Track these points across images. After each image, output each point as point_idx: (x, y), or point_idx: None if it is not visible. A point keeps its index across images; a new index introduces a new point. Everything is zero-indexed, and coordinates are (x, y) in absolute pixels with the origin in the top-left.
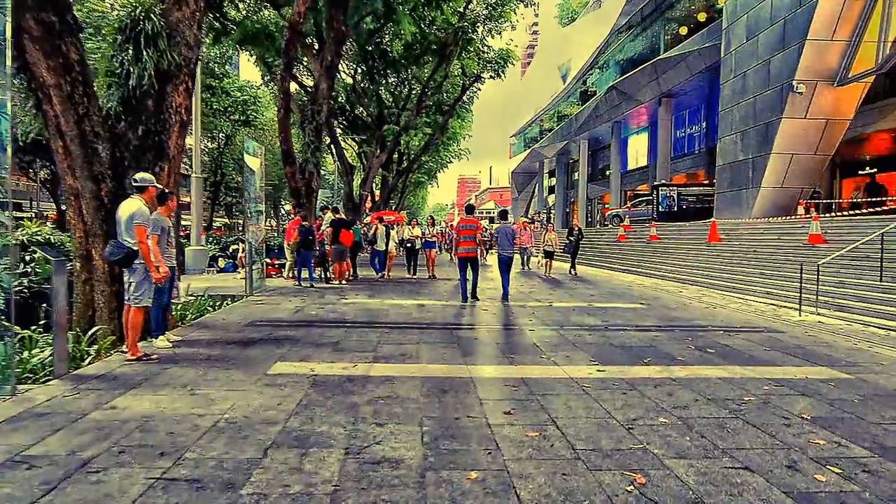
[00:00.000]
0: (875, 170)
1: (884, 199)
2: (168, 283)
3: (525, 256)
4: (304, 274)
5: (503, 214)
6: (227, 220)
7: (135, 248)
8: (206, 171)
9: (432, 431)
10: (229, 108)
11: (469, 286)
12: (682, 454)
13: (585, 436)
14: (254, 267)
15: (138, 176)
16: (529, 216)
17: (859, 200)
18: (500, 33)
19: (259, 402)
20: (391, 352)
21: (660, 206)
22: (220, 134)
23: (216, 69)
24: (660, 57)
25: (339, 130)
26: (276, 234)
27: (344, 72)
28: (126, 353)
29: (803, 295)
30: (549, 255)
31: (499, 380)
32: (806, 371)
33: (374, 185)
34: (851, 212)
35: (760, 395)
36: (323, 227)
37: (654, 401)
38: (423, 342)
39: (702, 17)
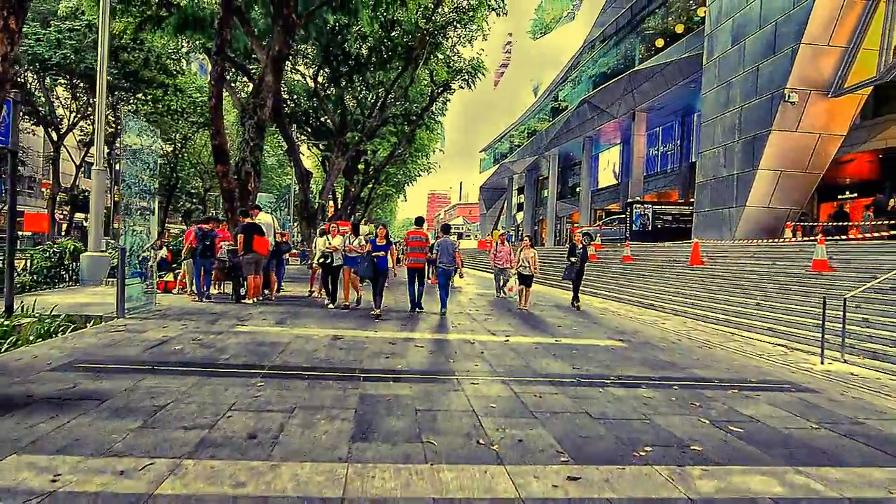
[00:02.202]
0: (855, 195)
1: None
2: None
3: (502, 279)
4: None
5: (445, 229)
6: (184, 227)
7: None
8: (161, 175)
9: None
10: (187, 109)
11: (417, 296)
12: None
13: None
14: (135, 280)
15: None
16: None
17: (870, 223)
18: (470, 42)
19: None
20: (238, 429)
21: (633, 225)
22: (177, 136)
23: (170, 65)
24: (635, 69)
25: (301, 137)
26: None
27: (308, 76)
28: None
29: (818, 335)
30: (525, 281)
31: None
32: None
33: (330, 194)
34: (867, 234)
35: None
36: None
37: None
38: (303, 405)
39: (679, 28)
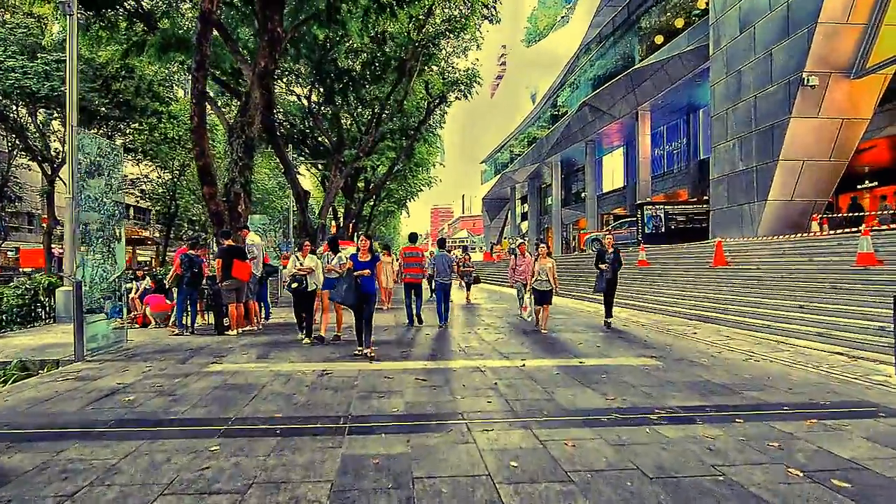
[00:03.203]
0: (875, 183)
1: None
2: None
3: (521, 295)
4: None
5: (441, 243)
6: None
7: None
8: (159, 202)
9: None
10: (183, 137)
11: (415, 310)
12: None
13: None
14: (99, 317)
15: None
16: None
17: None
18: (465, 52)
19: None
20: None
21: (646, 228)
22: (174, 163)
23: (161, 92)
24: (635, 67)
25: (300, 158)
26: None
27: (303, 96)
28: None
29: (880, 339)
30: (543, 298)
31: None
32: None
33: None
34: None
35: None
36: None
37: None
38: (264, 480)
39: (679, 22)
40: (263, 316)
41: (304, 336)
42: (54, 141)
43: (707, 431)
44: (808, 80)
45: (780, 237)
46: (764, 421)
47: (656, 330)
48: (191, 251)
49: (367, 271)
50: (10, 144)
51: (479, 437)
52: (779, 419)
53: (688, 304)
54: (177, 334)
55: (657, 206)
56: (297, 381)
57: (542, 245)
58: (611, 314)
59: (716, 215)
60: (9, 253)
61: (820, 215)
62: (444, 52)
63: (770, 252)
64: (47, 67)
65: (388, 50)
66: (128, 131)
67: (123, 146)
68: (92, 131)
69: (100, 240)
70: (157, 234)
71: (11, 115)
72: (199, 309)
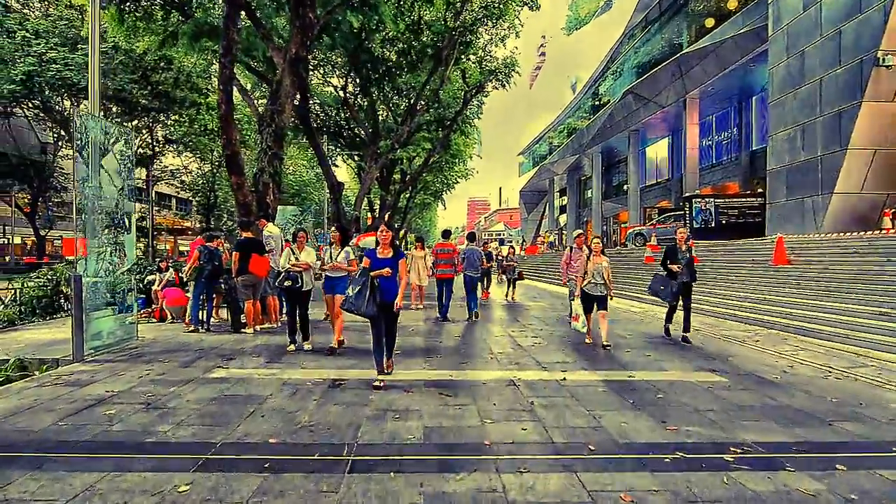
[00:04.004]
0: None
1: None
2: None
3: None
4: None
5: (471, 237)
6: (229, 246)
7: None
8: (197, 193)
9: None
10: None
11: (446, 305)
12: None
13: None
14: (106, 313)
15: None
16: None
17: None
18: (503, 40)
19: None
20: None
21: (694, 222)
22: (214, 155)
23: (200, 83)
24: (684, 51)
25: (335, 149)
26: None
27: (338, 87)
28: None
29: None
30: (598, 304)
31: None
32: None
33: (364, 204)
34: None
35: None
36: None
37: None
38: None
39: (732, 3)
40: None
41: (290, 342)
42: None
43: (803, 483)
44: (883, 59)
45: (848, 234)
46: (872, 471)
47: (711, 336)
48: (208, 243)
49: (386, 270)
50: (55, 136)
51: (511, 481)
52: (891, 467)
53: (744, 307)
54: (191, 331)
55: (707, 199)
56: (304, 394)
57: (595, 239)
58: (689, 327)
59: (773, 209)
60: (55, 242)
61: (893, 210)
62: (481, 40)
63: (840, 250)
64: (87, 59)
65: (424, 39)
66: (168, 122)
67: (165, 138)
68: (133, 123)
69: (105, 230)
70: (197, 225)
71: (56, 106)
72: (214, 304)
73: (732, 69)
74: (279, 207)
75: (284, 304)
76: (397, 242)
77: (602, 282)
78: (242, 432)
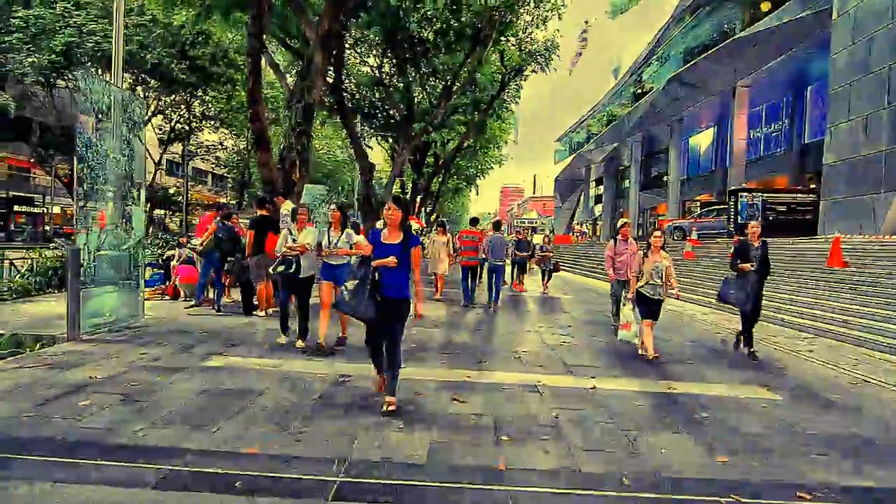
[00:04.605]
0: None
1: None
2: None
3: (620, 297)
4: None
5: (496, 225)
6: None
7: None
8: (233, 170)
9: None
10: None
11: (471, 292)
12: None
13: None
14: (109, 289)
15: None
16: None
17: None
18: (545, 22)
19: None
20: None
21: (739, 217)
22: (249, 132)
23: (237, 60)
24: (737, 36)
25: (370, 130)
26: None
27: (374, 66)
28: None
29: None
30: (652, 311)
31: None
32: None
33: (396, 187)
34: None
35: None
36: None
37: None
38: None
39: None
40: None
41: (281, 335)
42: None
43: None
44: None
45: None
46: None
47: (758, 341)
48: (226, 222)
49: (392, 260)
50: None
51: None
52: None
53: (793, 311)
54: (194, 305)
55: (755, 193)
56: (303, 390)
57: (655, 232)
58: (751, 340)
59: (828, 207)
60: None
61: None
62: (522, 21)
63: None
64: (125, 31)
65: (462, 18)
66: (206, 98)
67: (202, 114)
68: (171, 98)
69: (111, 201)
70: (232, 202)
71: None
72: (226, 285)
73: (788, 56)
74: (307, 186)
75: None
76: (411, 224)
77: (661, 283)
78: (222, 438)
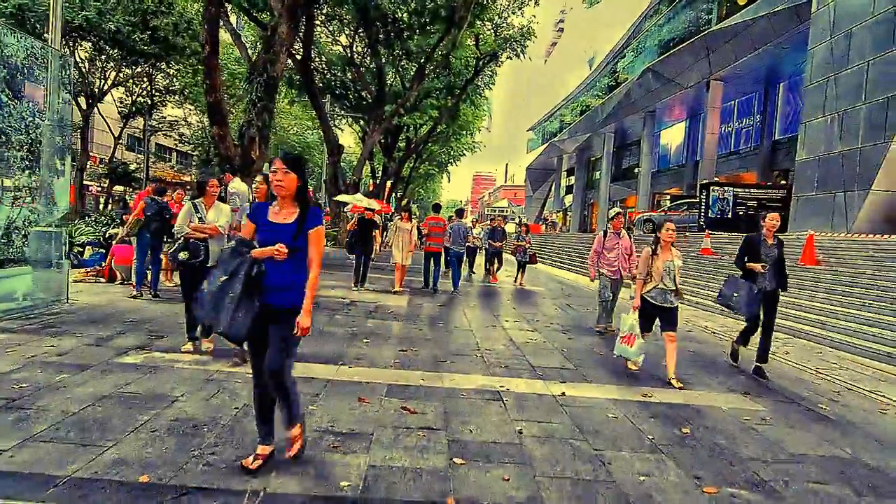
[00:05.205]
0: None
1: None
2: None
3: (612, 296)
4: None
5: (459, 213)
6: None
7: None
8: (198, 147)
9: None
10: (225, 82)
11: (432, 278)
12: None
13: None
14: (22, 270)
15: None
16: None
17: None
18: (521, 7)
19: None
20: None
21: (710, 211)
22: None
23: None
24: (713, 28)
25: (340, 112)
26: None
27: (345, 45)
28: None
29: None
30: (669, 320)
31: None
32: None
33: (366, 171)
34: None
35: None
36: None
37: None
38: None
39: None
40: None
41: (188, 340)
42: (97, 77)
43: None
44: None
45: (884, 236)
46: None
47: (732, 340)
48: (157, 196)
49: (279, 249)
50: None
51: None
52: None
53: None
54: (134, 296)
55: (725, 188)
56: (227, 396)
57: (667, 224)
58: (767, 355)
59: (799, 203)
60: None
61: None
62: (498, 4)
63: (884, 254)
64: None
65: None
66: (171, 72)
67: (165, 88)
68: (134, 70)
69: (24, 170)
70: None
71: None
72: (163, 267)
73: (763, 51)
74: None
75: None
76: (311, 196)
77: (673, 288)
78: (110, 459)
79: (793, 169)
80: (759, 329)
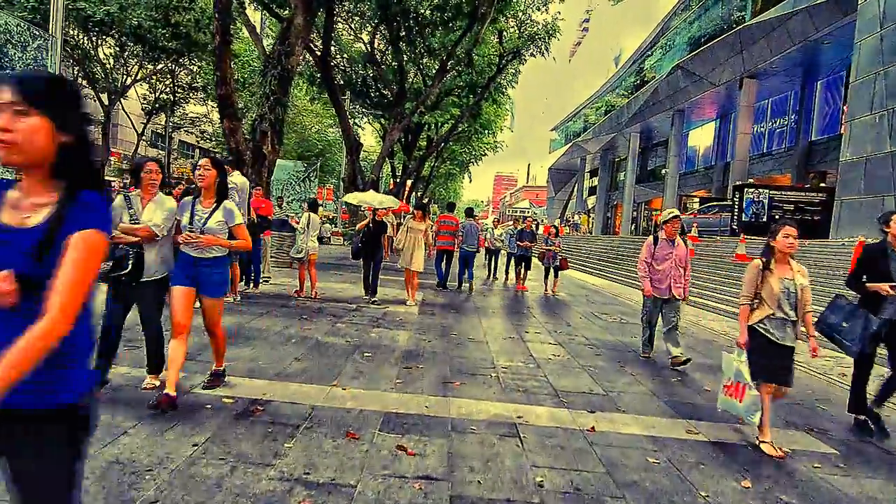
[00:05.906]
0: None
1: None
2: None
3: (654, 320)
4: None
5: (469, 212)
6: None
7: None
8: (219, 145)
9: None
10: (247, 79)
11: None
12: None
13: None
14: None
15: None
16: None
17: None
18: (546, 4)
19: None
20: None
21: (743, 214)
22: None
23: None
24: (747, 23)
25: (361, 109)
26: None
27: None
28: None
29: None
30: (784, 364)
31: None
32: None
33: (386, 169)
34: None
35: None
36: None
37: None
38: None
39: None
40: (253, 283)
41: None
42: (120, 73)
43: None
44: None
45: None
46: None
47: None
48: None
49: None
50: (74, 74)
51: None
52: None
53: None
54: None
55: (761, 190)
56: (189, 428)
57: (785, 228)
58: (881, 399)
59: (843, 207)
60: None
61: None
62: (522, 1)
63: None
64: None
65: None
66: (194, 69)
67: (188, 85)
68: (156, 65)
69: None
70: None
71: (72, 41)
72: None
73: (801, 45)
74: (282, 162)
75: (259, 271)
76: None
77: (795, 318)
78: None
79: (830, 171)
80: (890, 368)
